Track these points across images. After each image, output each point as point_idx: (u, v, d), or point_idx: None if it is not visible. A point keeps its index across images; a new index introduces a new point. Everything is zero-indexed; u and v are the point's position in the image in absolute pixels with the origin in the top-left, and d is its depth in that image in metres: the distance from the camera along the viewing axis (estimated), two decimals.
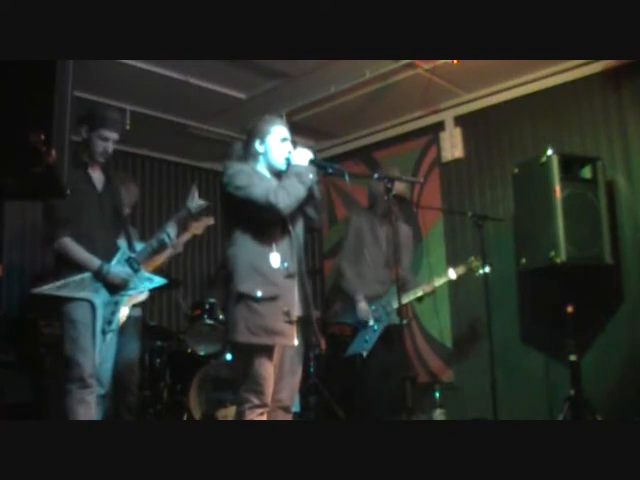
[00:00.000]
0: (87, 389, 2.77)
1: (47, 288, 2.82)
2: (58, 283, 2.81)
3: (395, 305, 3.91)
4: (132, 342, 3.90)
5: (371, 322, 3.84)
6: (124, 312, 3.59)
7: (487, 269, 3.88)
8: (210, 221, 4.09)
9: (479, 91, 4.65)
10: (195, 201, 3.25)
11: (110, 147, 2.97)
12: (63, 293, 2.81)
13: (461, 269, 4.01)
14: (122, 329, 3.55)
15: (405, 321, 3.73)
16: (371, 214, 4.07)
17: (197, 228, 4.16)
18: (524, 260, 3.81)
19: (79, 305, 2.82)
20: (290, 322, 2.48)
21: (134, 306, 3.79)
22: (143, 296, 3.85)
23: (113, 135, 2.96)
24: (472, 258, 4.00)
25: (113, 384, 3.41)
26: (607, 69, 4.03)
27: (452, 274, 4.00)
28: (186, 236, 4.15)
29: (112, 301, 2.94)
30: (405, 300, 3.87)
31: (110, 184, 3.10)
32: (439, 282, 3.97)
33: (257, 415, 2.44)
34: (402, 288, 3.91)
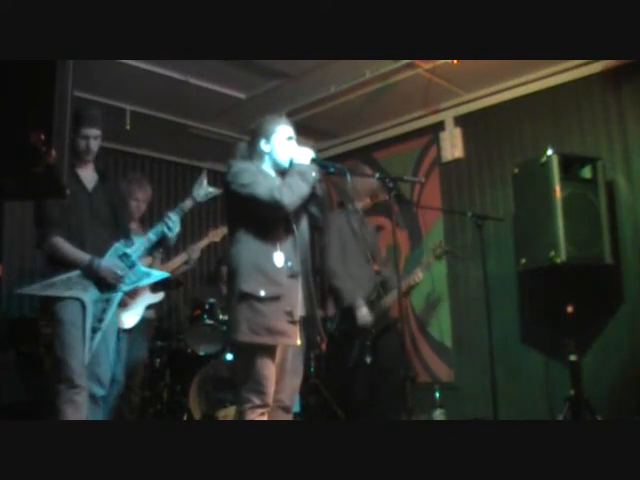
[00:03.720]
0: (75, 389, 2.71)
1: (34, 288, 2.78)
2: (44, 282, 2.77)
3: (387, 304, 3.91)
4: (142, 343, 3.92)
5: (367, 326, 3.83)
6: (138, 313, 3.59)
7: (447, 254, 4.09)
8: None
9: (479, 91, 4.65)
10: (203, 188, 3.04)
11: (92, 144, 2.92)
12: (50, 293, 2.76)
13: (431, 258, 4.07)
14: (134, 330, 3.57)
15: (399, 320, 3.75)
16: (345, 212, 4.05)
17: (215, 235, 4.19)
18: (524, 260, 3.81)
19: (68, 304, 2.77)
20: (293, 322, 2.48)
21: (148, 307, 3.80)
22: (158, 298, 3.86)
23: (93, 132, 2.91)
24: (434, 245, 4.14)
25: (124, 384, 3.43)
26: (607, 69, 4.03)
27: (424, 266, 4.03)
28: (203, 242, 4.18)
29: (102, 298, 2.86)
30: (392, 299, 3.88)
31: (104, 182, 3.05)
32: (418, 276, 3.97)
33: (258, 415, 2.43)
34: (384, 285, 3.92)
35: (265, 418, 2.47)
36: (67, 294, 2.78)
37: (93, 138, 2.92)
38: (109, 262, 2.87)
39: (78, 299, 2.80)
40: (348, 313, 3.87)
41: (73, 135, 2.85)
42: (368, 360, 3.76)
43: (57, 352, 2.75)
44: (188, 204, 3.06)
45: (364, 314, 3.81)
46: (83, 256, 2.83)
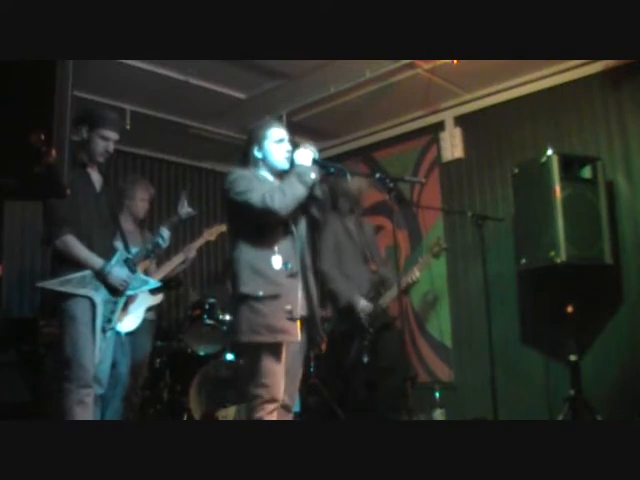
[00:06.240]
0: (87, 389, 2.74)
1: (50, 283, 2.82)
2: (61, 279, 2.81)
3: (385, 303, 3.91)
4: (144, 344, 3.94)
5: (366, 325, 3.83)
6: (139, 316, 3.62)
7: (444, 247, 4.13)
8: (223, 228, 4.13)
9: (479, 91, 4.65)
10: (185, 208, 3.38)
11: (110, 147, 2.98)
12: (65, 289, 2.80)
13: (429, 257, 4.07)
14: (136, 332, 3.59)
15: (398, 318, 3.75)
16: (338, 213, 4.03)
17: (210, 234, 4.27)
18: (524, 260, 3.81)
19: (80, 302, 2.81)
20: (292, 319, 2.50)
21: (149, 309, 3.84)
22: (157, 300, 3.90)
23: (113, 135, 2.97)
24: (432, 243, 4.15)
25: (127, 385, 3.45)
26: (607, 69, 4.02)
27: (421, 265, 4.03)
28: (199, 242, 4.27)
29: (112, 300, 2.93)
30: (389, 298, 3.87)
31: (107, 185, 3.10)
32: (415, 275, 3.96)
33: (268, 411, 2.45)
34: (383, 285, 3.92)
35: (276, 413, 2.49)
36: (81, 292, 2.83)
37: (112, 141, 2.98)
38: (117, 269, 2.94)
39: (89, 298, 2.84)
40: (346, 313, 3.87)
41: (92, 135, 2.92)
42: (365, 360, 3.76)
43: (67, 351, 2.76)
44: (175, 219, 3.37)
45: (364, 305, 3.81)
46: (95, 261, 2.88)
